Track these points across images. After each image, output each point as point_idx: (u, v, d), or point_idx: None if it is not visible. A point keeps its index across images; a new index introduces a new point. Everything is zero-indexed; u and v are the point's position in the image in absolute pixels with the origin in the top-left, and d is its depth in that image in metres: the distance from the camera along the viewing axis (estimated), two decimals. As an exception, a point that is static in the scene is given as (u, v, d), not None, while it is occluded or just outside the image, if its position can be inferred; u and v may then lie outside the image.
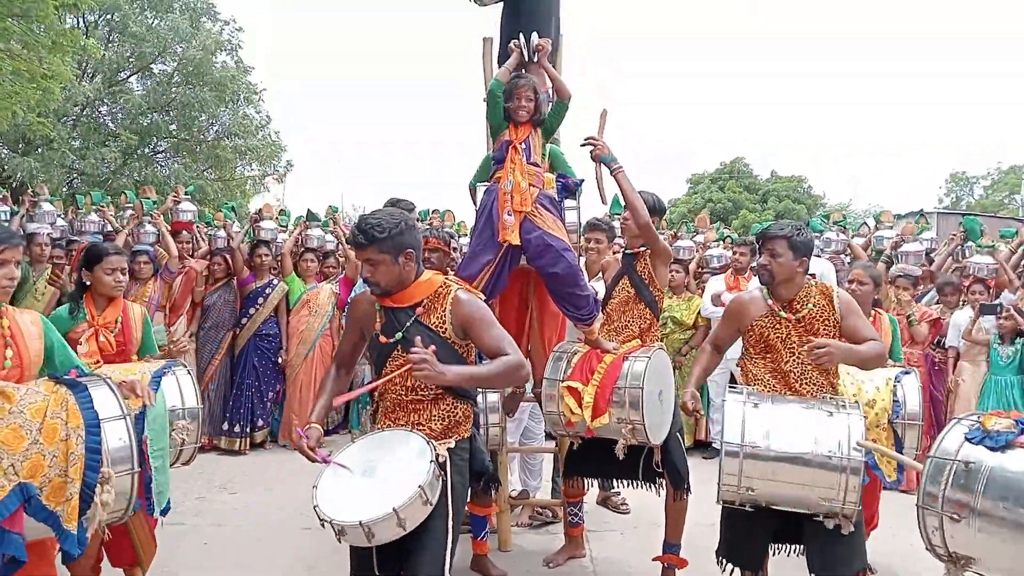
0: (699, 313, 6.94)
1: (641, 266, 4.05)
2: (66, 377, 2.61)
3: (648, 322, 4.02)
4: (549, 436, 4.94)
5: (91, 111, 17.37)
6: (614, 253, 4.69)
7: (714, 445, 7.00)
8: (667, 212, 4.58)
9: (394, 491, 2.53)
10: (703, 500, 4.37)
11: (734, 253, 6.97)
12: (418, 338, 2.70)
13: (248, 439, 6.87)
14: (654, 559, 4.05)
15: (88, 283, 3.74)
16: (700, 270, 7.44)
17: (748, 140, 62.17)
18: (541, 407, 4.05)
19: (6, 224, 6.45)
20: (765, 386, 3.24)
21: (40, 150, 14.40)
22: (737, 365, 3.58)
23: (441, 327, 2.82)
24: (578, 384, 3.70)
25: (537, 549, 4.58)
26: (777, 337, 3.25)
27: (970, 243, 6.79)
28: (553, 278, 3.89)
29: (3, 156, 15.07)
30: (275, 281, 6.99)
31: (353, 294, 5.17)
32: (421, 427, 2.80)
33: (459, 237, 7.36)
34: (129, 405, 2.68)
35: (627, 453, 3.67)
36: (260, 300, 6.93)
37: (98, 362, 3.56)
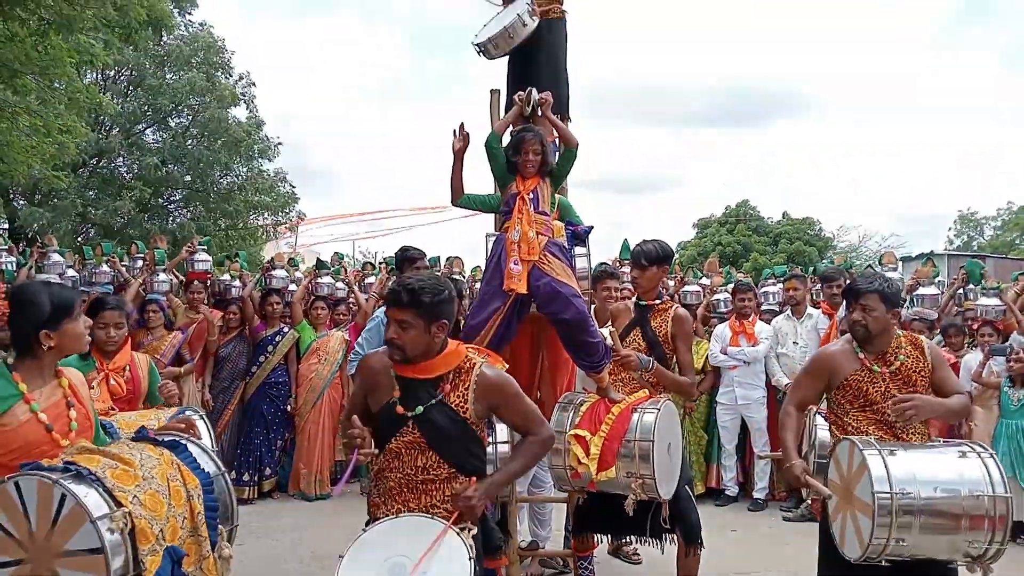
0: (707, 359, 6.92)
1: (657, 321, 4.07)
2: (162, 439, 2.67)
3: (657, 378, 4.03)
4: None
5: (107, 162, 17.69)
6: (622, 298, 4.72)
7: (726, 492, 6.94)
8: (676, 257, 4.62)
9: None
10: (716, 551, 4.33)
11: (738, 298, 6.98)
12: (470, 482, 2.66)
13: (256, 488, 6.84)
14: (666, 611, 3.98)
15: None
16: (708, 314, 7.44)
17: (757, 179, 62.59)
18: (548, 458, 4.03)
19: (13, 272, 6.55)
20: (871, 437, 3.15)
21: (54, 201, 14.65)
22: (825, 418, 3.49)
23: (462, 407, 2.73)
24: (586, 433, 3.68)
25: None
26: (876, 391, 3.19)
27: (971, 285, 6.76)
28: (563, 325, 3.88)
29: (18, 207, 15.32)
30: (285, 329, 7.03)
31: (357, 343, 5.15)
32: (436, 510, 2.68)
33: (473, 282, 7.41)
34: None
35: (636, 507, 3.63)
36: (270, 348, 6.96)
37: (112, 408, 3.59)
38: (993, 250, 35.28)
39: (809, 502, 5.96)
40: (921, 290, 6.80)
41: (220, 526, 2.57)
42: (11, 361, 2.56)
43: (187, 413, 3.62)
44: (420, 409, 2.70)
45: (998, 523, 2.77)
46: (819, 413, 3.89)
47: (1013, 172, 61.53)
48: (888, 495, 2.78)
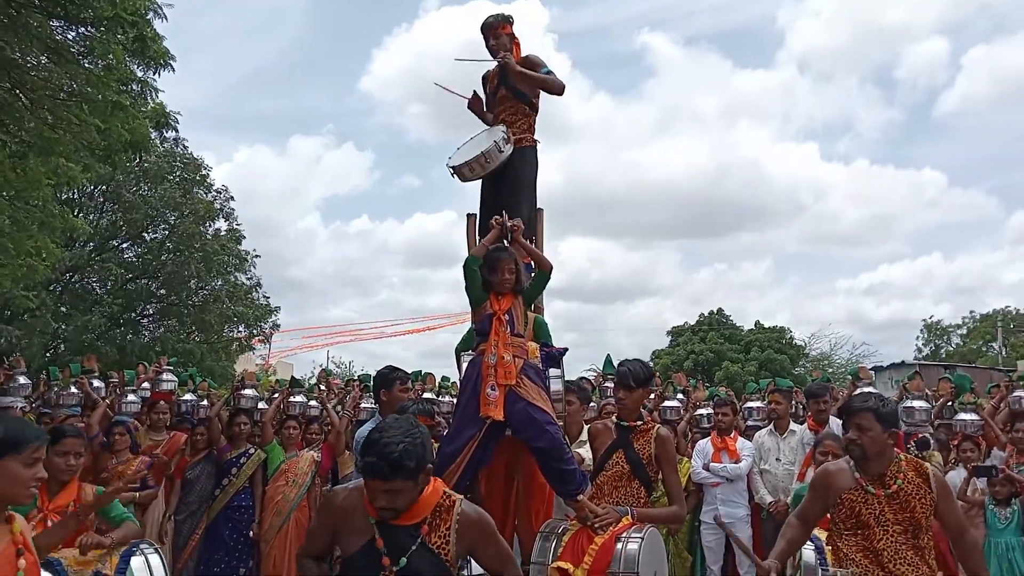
0: (690, 477, 6.80)
1: (640, 443, 4.02)
2: None
3: (642, 500, 3.96)
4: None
5: (79, 278, 17.61)
6: (605, 415, 4.68)
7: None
8: (655, 377, 4.61)
9: None
10: None
11: (716, 413, 6.95)
12: None
13: (219, 616, 6.45)
14: None
15: None
16: (691, 429, 7.37)
17: (727, 288, 63.85)
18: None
19: None
20: (858, 567, 3.09)
21: (23, 317, 14.47)
22: (827, 544, 3.43)
23: (444, 548, 2.63)
24: (568, 565, 3.56)
25: None
26: (869, 513, 3.11)
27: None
28: (537, 452, 3.85)
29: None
30: (251, 450, 6.82)
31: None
32: None
33: (446, 396, 7.32)
34: None
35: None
36: (234, 471, 6.71)
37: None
38: (961, 358, 35.85)
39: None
40: (915, 403, 6.68)
41: None
42: None
43: (142, 546, 3.46)
44: (404, 561, 2.57)
45: None
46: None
47: (974, 281, 63.24)
48: None
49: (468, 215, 4.92)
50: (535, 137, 4.94)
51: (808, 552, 3.72)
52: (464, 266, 4.26)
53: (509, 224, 4.45)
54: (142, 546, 3.48)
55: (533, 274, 4.55)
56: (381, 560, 2.58)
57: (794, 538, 3.36)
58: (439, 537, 2.64)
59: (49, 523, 3.47)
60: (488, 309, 4.12)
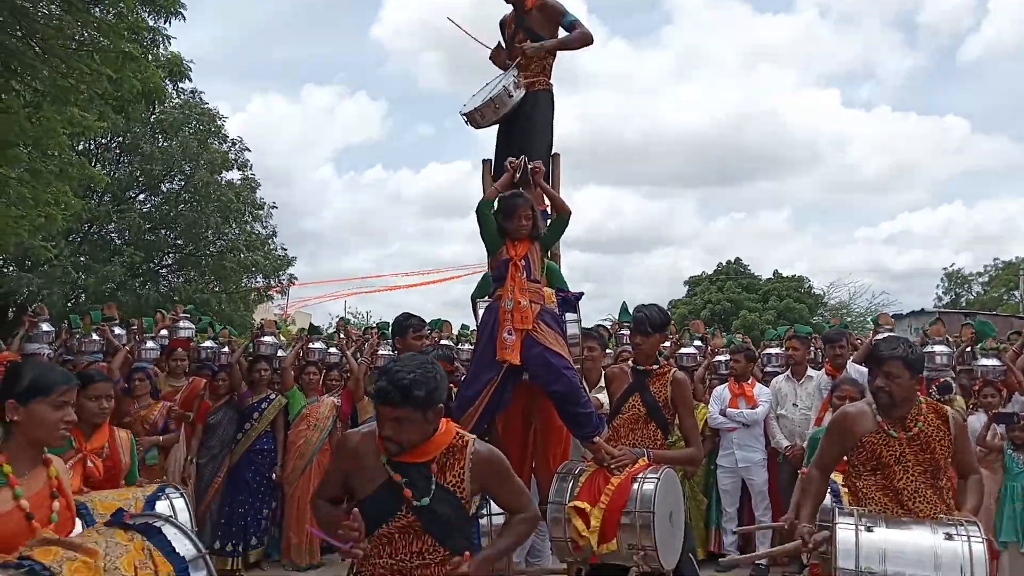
0: (706, 421, 6.84)
1: (656, 387, 4.03)
2: (133, 522, 2.55)
3: (659, 443, 3.97)
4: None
5: (98, 228, 17.72)
6: (621, 360, 4.69)
7: (728, 556, 6.78)
8: (671, 322, 4.63)
9: None
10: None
11: (732, 359, 6.96)
12: (464, 557, 2.58)
13: (241, 559, 6.62)
14: None
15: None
16: (709, 376, 7.39)
17: (745, 236, 63.33)
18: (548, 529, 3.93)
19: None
20: (876, 504, 3.11)
21: (44, 268, 14.61)
22: (843, 485, 3.47)
23: (459, 487, 2.64)
24: (585, 505, 3.60)
25: None
26: (891, 455, 3.12)
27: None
28: (554, 396, 3.87)
29: (8, 273, 15.25)
30: (271, 396, 6.92)
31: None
32: None
33: (464, 343, 7.37)
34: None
35: (637, 578, 3.54)
36: (255, 415, 6.82)
37: (83, 490, 3.47)
38: (981, 306, 35.51)
39: (808, 568, 5.82)
40: (936, 348, 6.64)
41: None
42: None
43: (167, 490, 3.53)
44: (426, 500, 2.59)
45: None
46: None
47: (996, 230, 62.32)
48: (850, 570, 2.80)
49: (483, 161, 4.87)
50: (550, 80, 4.84)
51: (825, 496, 3.74)
52: (477, 211, 4.23)
53: (530, 167, 4.41)
54: (167, 490, 3.54)
55: (550, 220, 4.52)
56: (400, 498, 2.60)
57: (819, 491, 3.38)
58: (454, 476, 2.65)
59: (89, 463, 3.56)
60: (504, 255, 4.11)
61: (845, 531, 2.87)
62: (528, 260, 4.09)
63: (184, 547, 2.55)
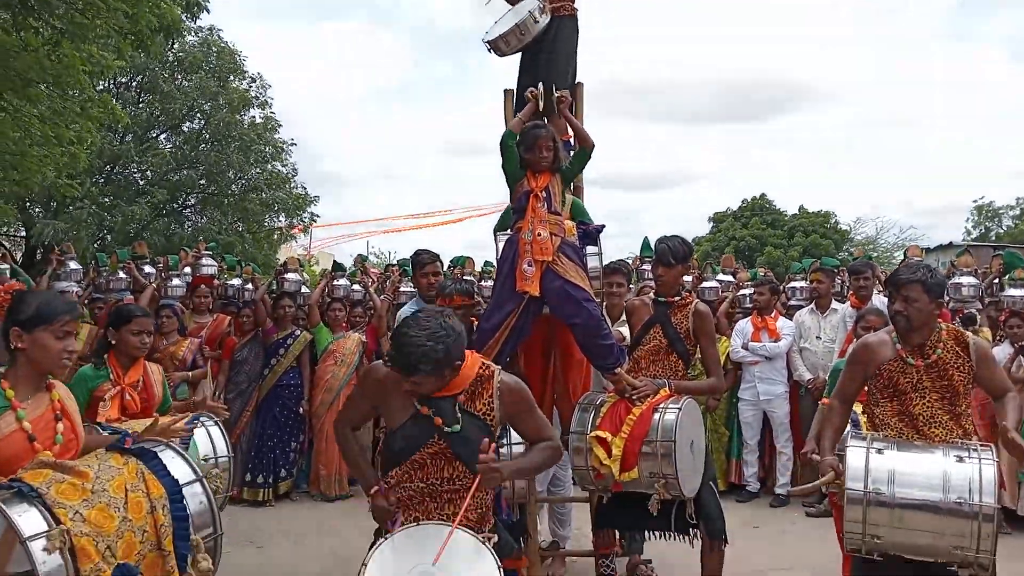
0: (728, 355, 6.84)
1: (678, 318, 4.02)
2: (130, 446, 2.58)
3: (680, 374, 3.99)
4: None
5: (121, 168, 17.78)
6: (639, 294, 4.68)
7: (748, 488, 6.87)
8: (693, 253, 4.61)
9: None
10: (738, 547, 4.27)
11: (755, 292, 6.92)
12: (485, 441, 2.63)
13: (272, 489, 6.83)
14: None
15: (113, 342, 3.77)
16: (733, 310, 7.37)
17: (770, 172, 62.26)
18: (570, 458, 3.99)
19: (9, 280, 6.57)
20: (892, 430, 3.12)
21: (69, 209, 14.74)
22: (862, 413, 3.49)
23: (489, 415, 2.72)
24: (607, 434, 3.64)
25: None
26: (907, 382, 3.12)
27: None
28: (576, 328, 3.88)
29: (34, 215, 15.42)
30: (297, 332, 7.02)
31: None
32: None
33: (486, 279, 7.39)
34: (201, 467, 2.70)
35: (659, 506, 3.60)
36: (281, 351, 6.94)
37: (120, 420, 3.56)
38: (1012, 240, 34.76)
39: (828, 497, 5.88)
40: (963, 280, 6.56)
41: (195, 536, 2.44)
42: (2, 370, 2.52)
43: (202, 419, 3.62)
44: (458, 427, 2.66)
45: (983, 532, 2.71)
46: None
47: (1030, 160, 60.66)
48: (859, 492, 2.82)
49: (505, 91, 4.77)
50: (575, 5, 4.71)
51: None
52: (501, 142, 4.17)
53: (556, 95, 4.33)
54: (202, 419, 3.63)
55: (572, 152, 4.46)
56: (431, 427, 2.67)
57: (841, 423, 3.37)
58: (483, 404, 2.71)
59: (127, 397, 3.65)
60: (525, 187, 4.07)
61: (855, 454, 2.90)
62: (549, 192, 4.05)
63: (180, 470, 2.55)
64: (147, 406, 3.76)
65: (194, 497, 2.52)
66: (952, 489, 2.76)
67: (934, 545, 2.78)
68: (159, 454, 2.56)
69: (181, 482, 2.50)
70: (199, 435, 3.47)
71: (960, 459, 2.84)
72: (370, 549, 2.57)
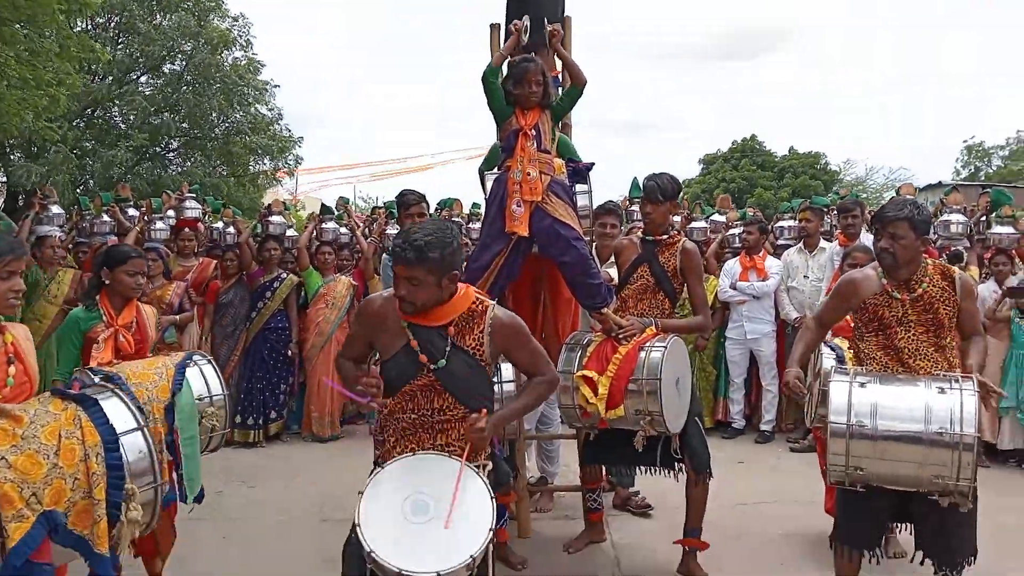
0: (716, 295, 6.87)
1: (665, 256, 4.01)
2: (73, 392, 2.54)
3: (667, 312, 4.00)
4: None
5: (102, 112, 17.41)
6: (628, 234, 4.66)
7: (733, 426, 6.98)
8: (682, 193, 4.58)
9: (464, 536, 2.40)
10: (723, 482, 4.36)
11: (744, 232, 6.93)
12: (481, 413, 2.65)
13: (262, 431, 6.88)
14: (675, 542, 4.02)
15: (107, 282, 3.73)
16: (723, 250, 7.38)
17: (761, 113, 61.68)
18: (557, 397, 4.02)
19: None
20: (877, 363, 3.15)
21: (49, 154, 14.46)
22: (833, 348, 3.52)
23: (479, 350, 2.72)
24: (593, 373, 3.67)
25: (557, 535, 4.55)
26: (892, 316, 3.13)
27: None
28: (564, 267, 3.87)
29: (13, 160, 15.13)
30: (283, 275, 6.99)
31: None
32: (452, 448, 2.69)
33: (474, 221, 7.36)
34: (144, 415, 2.64)
35: (645, 442, 3.65)
36: (268, 294, 6.92)
37: (113, 362, 3.55)
38: (1001, 179, 34.81)
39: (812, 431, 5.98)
40: (952, 217, 6.55)
41: (130, 484, 2.41)
42: None
43: (195, 358, 3.61)
44: (443, 362, 2.68)
45: (963, 461, 2.76)
46: (827, 344, 3.89)
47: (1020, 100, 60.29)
48: (842, 425, 2.87)
49: (491, 26, 4.63)
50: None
51: (828, 361, 3.81)
52: (482, 78, 4.06)
53: (548, 29, 4.22)
54: (195, 357, 3.62)
55: (562, 88, 4.39)
56: (419, 360, 2.69)
57: (811, 341, 3.42)
58: (473, 340, 2.72)
59: (120, 338, 3.62)
60: (513, 124, 4.00)
61: (838, 388, 2.93)
62: (538, 129, 3.98)
63: (122, 418, 2.52)
64: (141, 347, 3.74)
65: (133, 447, 2.48)
66: (934, 420, 2.80)
67: (916, 475, 2.84)
68: (101, 401, 2.52)
69: (120, 430, 2.46)
70: (192, 374, 3.46)
71: (942, 391, 2.88)
72: (369, 478, 2.60)
